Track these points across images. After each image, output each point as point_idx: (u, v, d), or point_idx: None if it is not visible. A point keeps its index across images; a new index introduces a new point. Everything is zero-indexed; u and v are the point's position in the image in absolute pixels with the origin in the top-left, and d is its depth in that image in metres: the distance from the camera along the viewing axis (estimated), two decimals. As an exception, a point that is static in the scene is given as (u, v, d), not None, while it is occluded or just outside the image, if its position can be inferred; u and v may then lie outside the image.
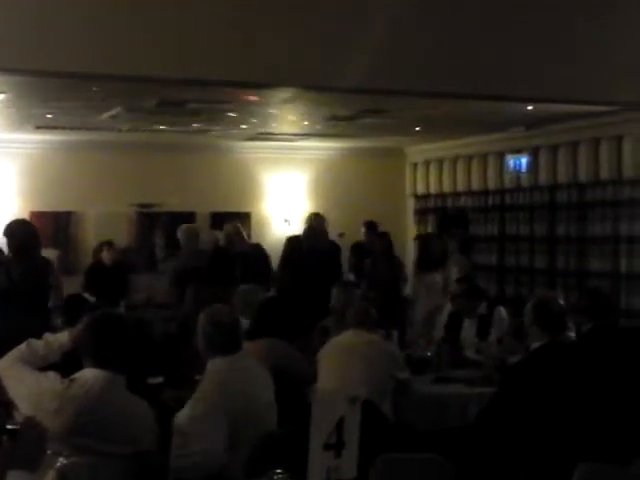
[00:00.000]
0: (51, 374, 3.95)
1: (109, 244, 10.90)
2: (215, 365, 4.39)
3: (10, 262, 7.24)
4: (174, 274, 8.92)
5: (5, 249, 7.61)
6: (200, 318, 4.58)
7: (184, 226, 9.62)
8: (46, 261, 7.45)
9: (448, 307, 8.18)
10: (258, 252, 10.17)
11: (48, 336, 4.29)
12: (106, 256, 10.79)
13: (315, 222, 9.91)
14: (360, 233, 11.45)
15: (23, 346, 4.13)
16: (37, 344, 4.14)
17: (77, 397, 3.74)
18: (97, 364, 3.87)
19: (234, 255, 9.41)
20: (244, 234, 10.50)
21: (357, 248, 11.32)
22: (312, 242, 9.43)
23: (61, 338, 4.24)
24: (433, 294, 9.63)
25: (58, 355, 4.22)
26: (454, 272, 9.62)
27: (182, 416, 4.21)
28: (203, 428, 4.12)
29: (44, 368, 4.06)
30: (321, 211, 11.03)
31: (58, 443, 3.64)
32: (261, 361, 4.79)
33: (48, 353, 4.15)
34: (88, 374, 3.86)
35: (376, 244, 10.64)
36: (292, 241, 10.03)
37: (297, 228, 11.99)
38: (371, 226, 11.34)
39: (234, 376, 4.38)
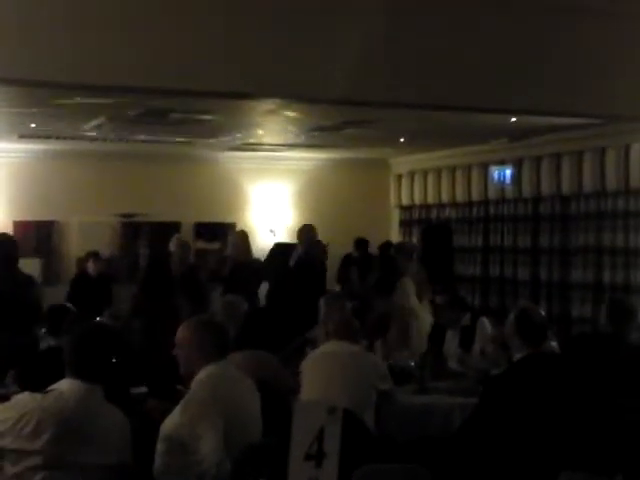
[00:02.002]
0: (25, 395, 3.91)
1: (95, 255, 10.87)
2: (208, 371, 4.36)
3: None
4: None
5: None
6: (189, 327, 4.53)
7: (176, 237, 9.54)
8: (27, 276, 7.37)
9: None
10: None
11: None
12: (91, 267, 10.76)
13: (313, 235, 9.76)
14: (344, 244, 11.44)
15: None
16: None
17: (54, 410, 3.71)
18: (74, 374, 3.84)
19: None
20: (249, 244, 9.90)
21: (348, 260, 11.31)
22: (312, 254, 9.29)
23: None
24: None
25: None
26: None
27: (170, 424, 4.17)
28: (203, 432, 4.06)
29: None
30: (306, 222, 11.00)
31: (37, 457, 3.62)
32: (244, 372, 4.78)
33: None
34: (64, 385, 3.83)
35: (380, 256, 10.62)
36: (281, 249, 9.99)
37: (282, 238, 12.02)
38: (361, 243, 11.31)
39: (226, 383, 4.36)
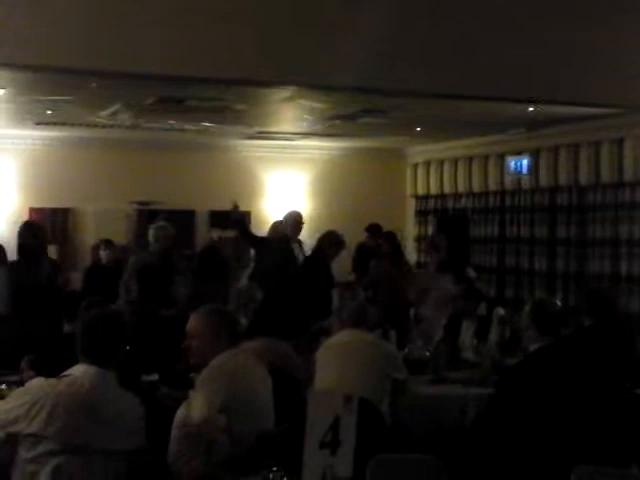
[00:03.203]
0: (40, 380, 3.91)
1: (106, 242, 10.78)
2: (220, 360, 4.35)
3: (16, 264, 7.20)
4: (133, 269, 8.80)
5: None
6: (200, 316, 4.51)
7: (157, 224, 9.45)
8: (53, 262, 7.40)
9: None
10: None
11: None
12: (103, 255, 10.70)
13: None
14: (359, 234, 11.38)
15: None
16: None
17: (68, 395, 3.71)
18: (88, 360, 3.84)
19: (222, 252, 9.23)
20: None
21: (361, 249, 11.26)
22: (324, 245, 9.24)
23: None
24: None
25: None
26: None
27: (182, 410, 4.16)
28: (199, 403, 4.05)
29: None
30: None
31: (52, 442, 3.63)
32: (258, 360, 4.76)
33: None
34: (78, 370, 3.84)
35: (383, 245, 10.57)
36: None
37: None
38: (374, 230, 11.24)
39: (238, 370, 4.35)
